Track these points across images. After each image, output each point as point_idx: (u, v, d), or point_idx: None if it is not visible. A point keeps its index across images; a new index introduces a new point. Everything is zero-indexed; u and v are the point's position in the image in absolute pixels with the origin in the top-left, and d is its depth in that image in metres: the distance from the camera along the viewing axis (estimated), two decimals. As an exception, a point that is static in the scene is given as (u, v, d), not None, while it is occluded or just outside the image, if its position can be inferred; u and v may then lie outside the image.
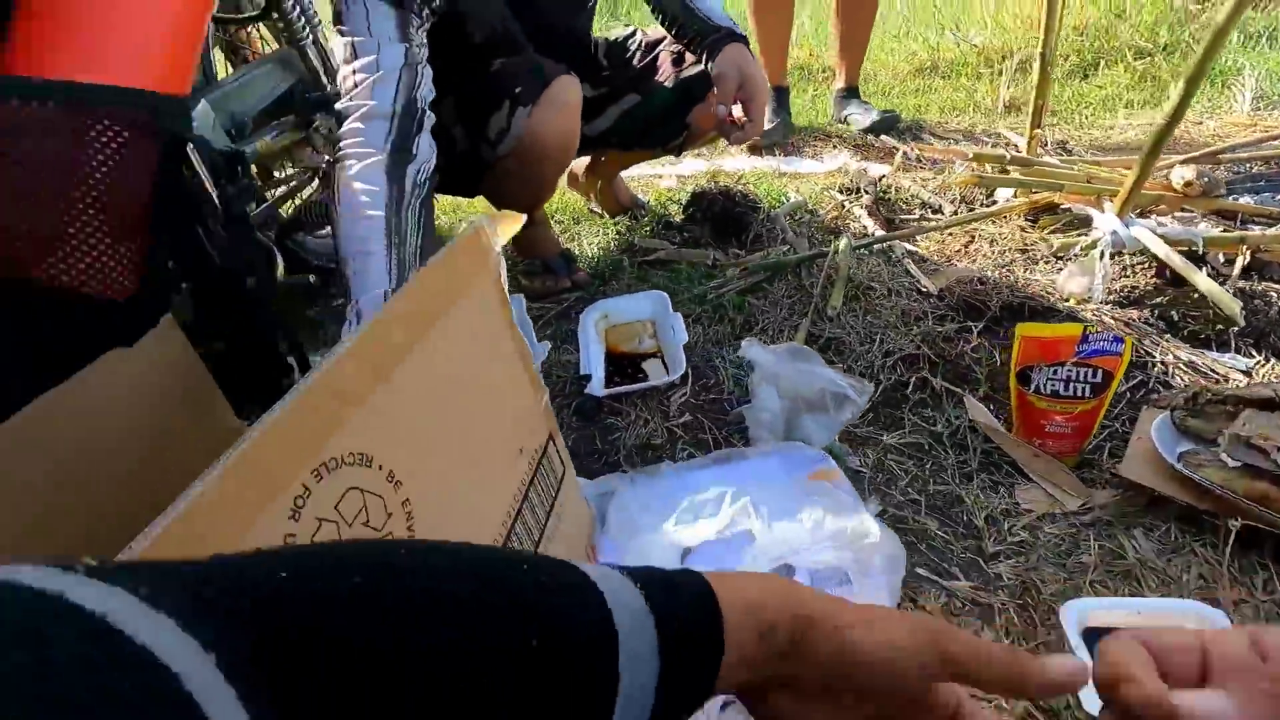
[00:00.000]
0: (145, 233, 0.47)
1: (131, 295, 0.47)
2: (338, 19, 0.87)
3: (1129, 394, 0.93)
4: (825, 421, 0.86)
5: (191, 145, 0.47)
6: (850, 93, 2.13)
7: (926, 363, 0.99)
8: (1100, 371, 0.81)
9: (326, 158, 1.26)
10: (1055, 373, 0.82)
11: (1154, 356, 0.96)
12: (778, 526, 0.67)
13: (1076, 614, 0.66)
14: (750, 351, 0.86)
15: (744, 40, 1.11)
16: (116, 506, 0.65)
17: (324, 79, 1.47)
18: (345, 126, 0.85)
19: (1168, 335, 0.99)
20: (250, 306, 0.74)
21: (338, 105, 0.88)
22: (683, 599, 0.31)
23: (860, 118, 2.04)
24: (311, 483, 0.38)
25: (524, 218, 0.68)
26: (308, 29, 1.38)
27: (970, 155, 1.21)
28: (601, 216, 1.64)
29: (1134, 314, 1.01)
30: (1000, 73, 2.31)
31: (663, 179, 1.88)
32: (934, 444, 0.90)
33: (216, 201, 0.64)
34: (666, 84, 1.25)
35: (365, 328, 0.44)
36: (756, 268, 1.17)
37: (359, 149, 0.83)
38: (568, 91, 1.04)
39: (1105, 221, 1.01)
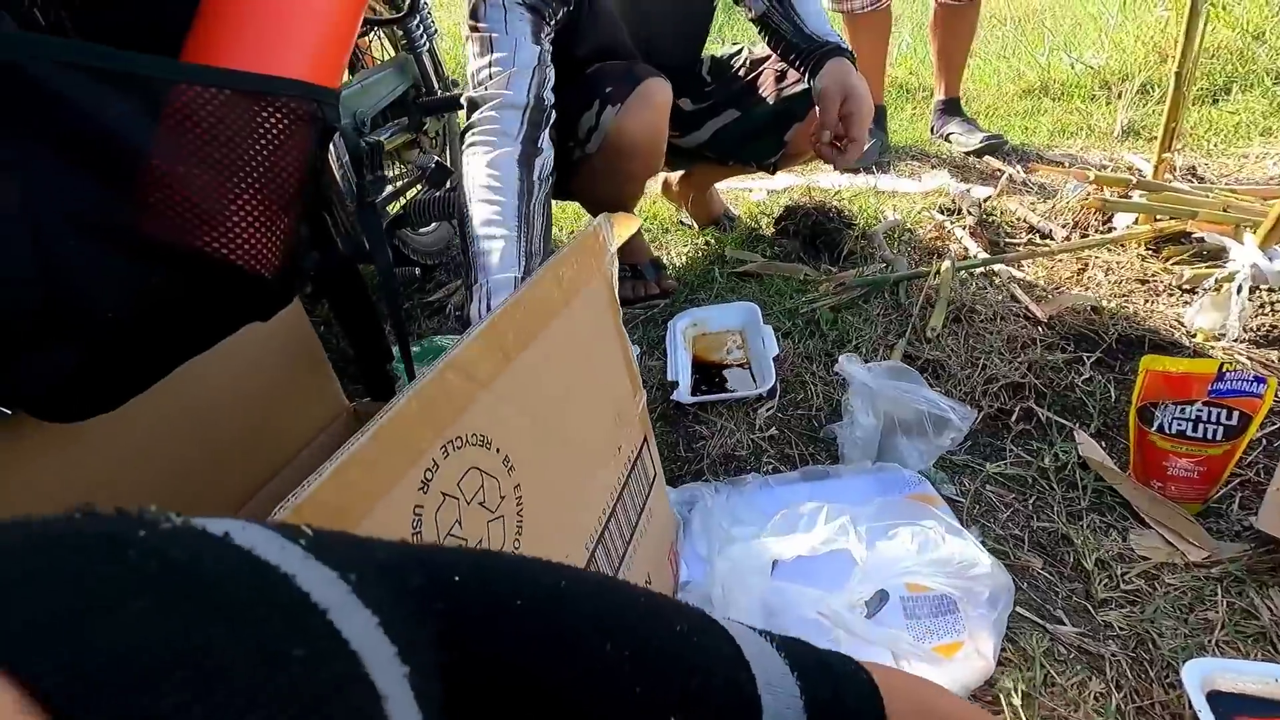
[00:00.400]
0: (293, 215, 0.50)
1: (276, 273, 0.50)
2: (474, 15, 0.91)
3: (1265, 440, 0.85)
4: (922, 445, 0.83)
5: (338, 135, 0.50)
6: (951, 107, 2.04)
7: (1033, 392, 0.94)
8: (1236, 413, 0.74)
9: (435, 159, 1.32)
10: (1183, 411, 0.76)
11: (1295, 402, 0.88)
12: (878, 547, 0.64)
13: (1201, 675, 0.61)
14: (847, 367, 0.84)
15: (849, 55, 1.09)
16: (237, 473, 0.69)
17: (435, 85, 1.54)
18: (479, 114, 0.88)
19: (1313, 380, 0.90)
20: (363, 293, 0.78)
21: (469, 94, 0.90)
22: (845, 694, 0.29)
23: (963, 137, 1.95)
24: (440, 457, 0.39)
25: (639, 221, 0.69)
26: (425, 38, 1.45)
27: (1091, 176, 1.15)
28: (690, 227, 1.64)
29: (1273, 355, 0.93)
30: (1120, 95, 2.18)
31: (753, 192, 1.87)
32: (1038, 478, 0.85)
33: (346, 187, 0.67)
34: (768, 101, 1.25)
35: (495, 313, 0.45)
36: (854, 283, 1.14)
37: (492, 136, 0.86)
38: (657, 92, 1.05)
39: (1245, 253, 0.94)
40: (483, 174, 0.84)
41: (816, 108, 1.07)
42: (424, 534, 0.39)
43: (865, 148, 1.08)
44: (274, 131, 0.47)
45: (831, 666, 0.30)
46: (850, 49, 1.10)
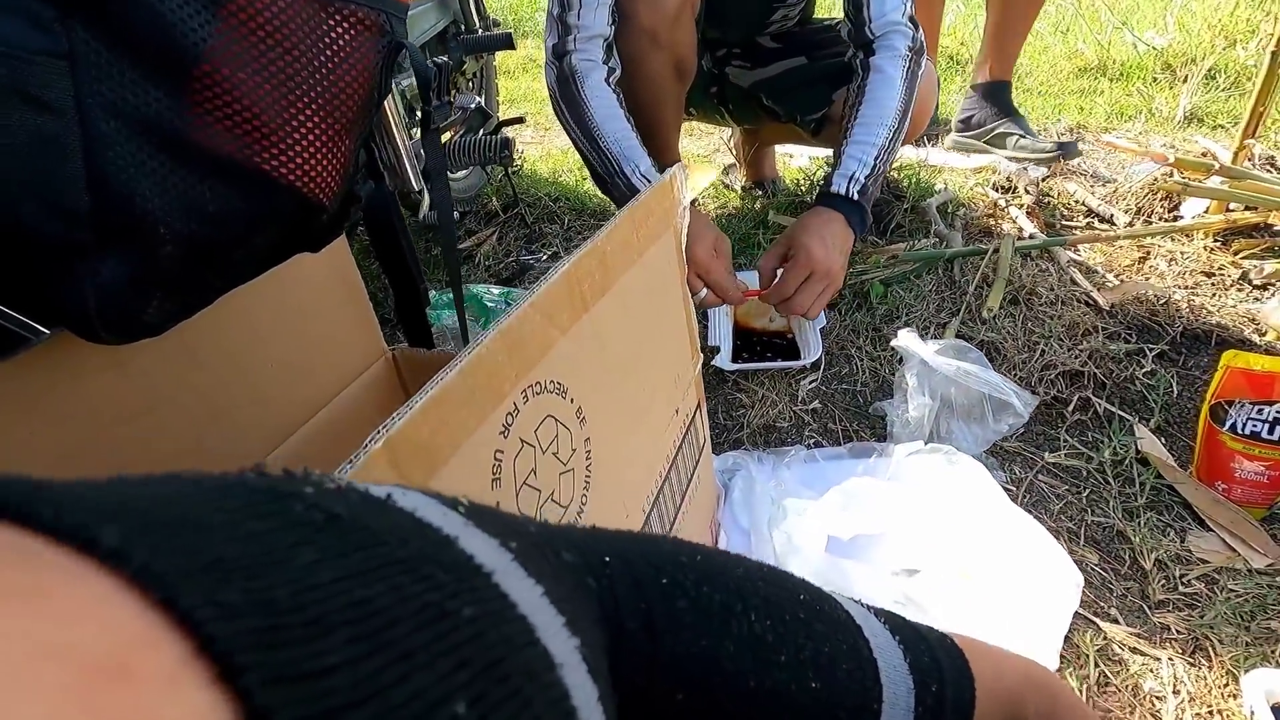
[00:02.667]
0: (353, 138, 0.46)
1: (334, 200, 0.46)
2: None
3: (1336, 448, 0.81)
4: (978, 430, 0.79)
5: (406, 53, 0.46)
6: (998, 93, 1.63)
7: (1091, 381, 0.90)
8: (1319, 418, 0.71)
9: (476, 99, 1.27)
10: (1260, 412, 0.73)
11: (1370, 410, 0.84)
12: (939, 532, 0.62)
13: (1265, 687, 0.58)
14: (906, 343, 0.80)
15: (857, 210, 0.95)
16: (275, 406, 0.67)
17: (475, 23, 1.48)
18: (577, 41, 0.96)
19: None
20: (403, 229, 0.74)
21: (569, 18, 0.97)
22: (939, 658, 0.29)
23: (1026, 141, 1.54)
24: (520, 402, 0.37)
25: (716, 170, 0.65)
26: (468, -30, 1.38)
27: (1171, 158, 1.08)
28: (730, 189, 1.59)
29: (1350, 359, 0.88)
30: (1185, 79, 2.08)
31: (794, 158, 1.81)
32: (1094, 471, 0.82)
33: (395, 121, 0.63)
34: (832, 58, 1.19)
35: (574, 258, 0.42)
36: (907, 257, 1.09)
37: (590, 62, 0.96)
38: None
39: (1331, 250, 0.88)
40: (598, 96, 0.96)
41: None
42: (502, 481, 0.36)
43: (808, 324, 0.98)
44: (340, 42, 0.43)
45: (923, 633, 0.31)
46: (869, 197, 0.96)
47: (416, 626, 0.12)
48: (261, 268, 0.49)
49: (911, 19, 0.99)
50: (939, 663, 0.29)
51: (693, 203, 1.28)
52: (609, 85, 0.99)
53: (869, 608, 0.30)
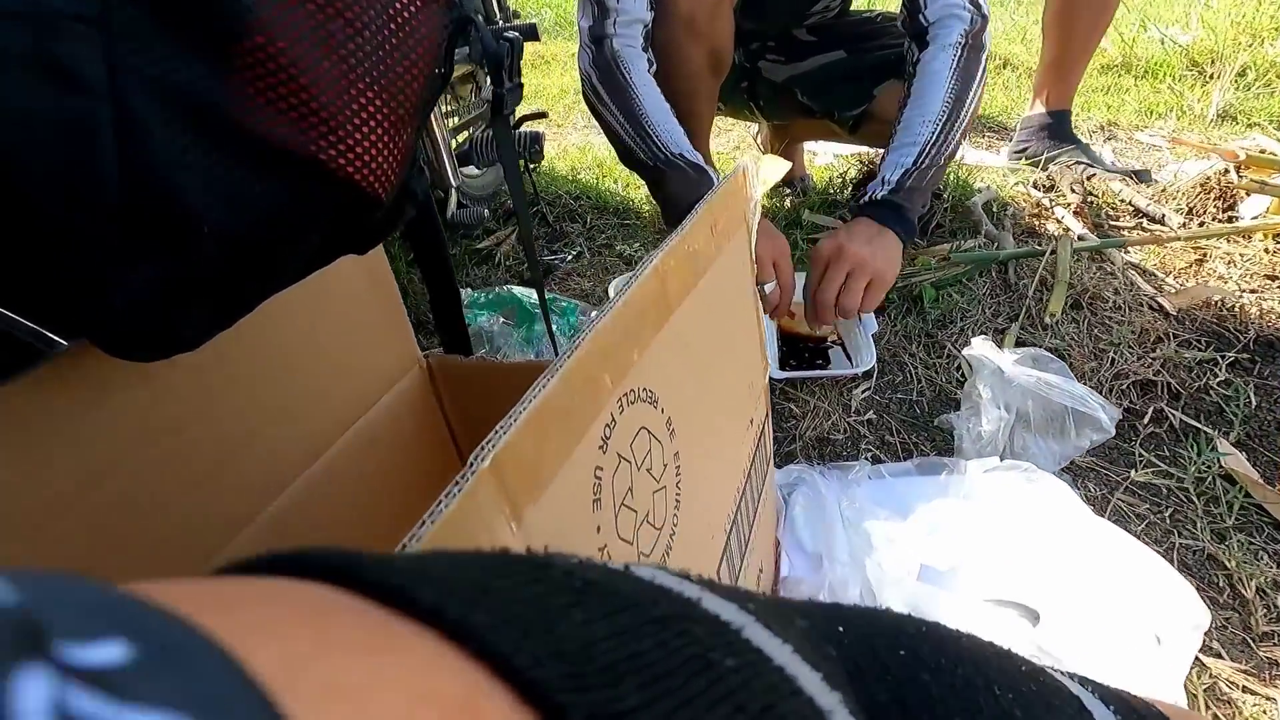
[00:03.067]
0: (414, 125, 0.41)
1: (390, 194, 0.41)
2: None
3: None
4: (1057, 445, 0.74)
5: (475, 29, 0.41)
6: (1059, 123, 1.48)
7: (1165, 392, 0.85)
8: None
9: (495, 88, 1.21)
10: (1366, 428, 0.67)
11: None
12: (1032, 558, 0.56)
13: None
14: (981, 351, 0.75)
15: (888, 208, 0.89)
16: (309, 422, 0.62)
17: (496, 13, 1.42)
18: (615, 26, 0.92)
19: None
20: (440, 230, 0.69)
21: (607, 1, 0.93)
22: None
23: (1094, 169, 1.36)
24: (617, 412, 0.32)
25: (788, 165, 0.60)
26: (491, -44, 1.33)
27: (1241, 156, 1.03)
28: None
29: None
30: (1213, 76, 2.04)
31: (818, 156, 1.76)
32: (1174, 489, 0.77)
33: (435, 112, 0.57)
34: (874, 51, 1.14)
35: (657, 256, 0.37)
36: (959, 258, 1.04)
37: (631, 49, 0.93)
38: None
39: None
40: (642, 87, 0.93)
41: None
42: (602, 502, 0.31)
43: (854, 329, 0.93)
44: (406, 13, 0.37)
45: (1129, 702, 0.28)
46: (907, 194, 0.90)
47: (689, 676, 0.13)
48: (306, 271, 0.43)
49: (973, 1, 0.93)
50: None
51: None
52: (651, 77, 0.94)
53: (1079, 679, 0.27)
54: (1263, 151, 1.21)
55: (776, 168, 0.62)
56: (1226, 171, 1.14)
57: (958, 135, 0.93)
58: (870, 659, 0.20)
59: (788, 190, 1.52)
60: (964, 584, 0.60)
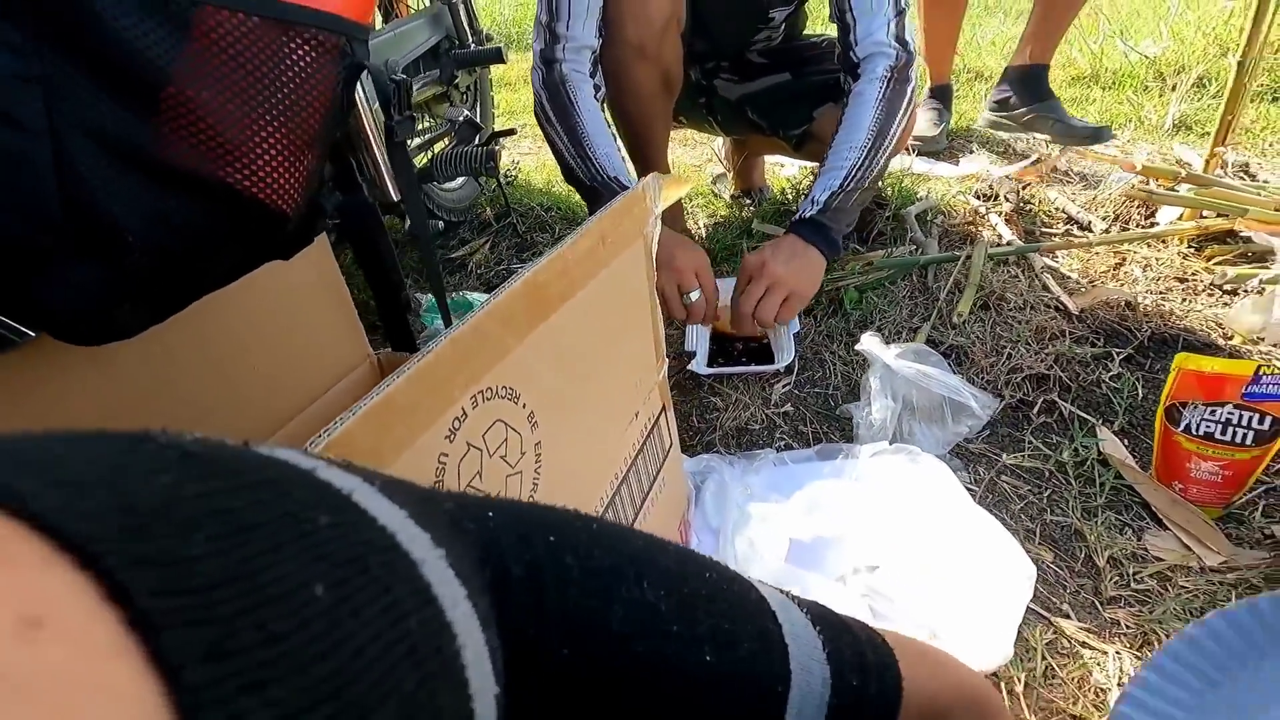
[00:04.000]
0: (316, 152, 0.50)
1: (297, 211, 0.49)
2: None
3: (1296, 449, 0.83)
4: (939, 431, 0.81)
5: (367, 73, 0.49)
6: (1037, 77, 1.64)
7: (1057, 385, 0.92)
8: (1269, 419, 0.72)
9: (465, 113, 1.31)
10: (1212, 413, 0.74)
11: (1331, 413, 0.85)
12: (899, 534, 0.64)
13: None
14: (869, 346, 0.82)
15: (815, 227, 0.97)
16: (258, 407, 0.70)
17: (469, 38, 1.52)
18: (562, 52, 0.99)
19: (1352, 391, 0.87)
20: (383, 238, 0.77)
21: (547, 21, 1.00)
22: (864, 650, 0.29)
23: (1060, 125, 1.59)
24: (469, 407, 0.39)
25: (689, 184, 0.68)
26: (460, -14, 1.43)
27: (1139, 166, 1.10)
28: (719, 197, 1.62)
29: (1312, 363, 0.90)
30: (1174, 87, 2.10)
31: (784, 167, 1.84)
32: (1055, 472, 0.84)
33: (372, 135, 0.66)
34: (814, 76, 1.23)
35: (538, 265, 0.45)
36: (882, 264, 1.12)
37: (577, 74, 1.00)
38: None
39: (1292, 255, 0.90)
40: (588, 108, 1.00)
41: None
42: (444, 483, 0.38)
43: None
44: (301, 63, 0.46)
45: (850, 627, 0.31)
46: (833, 215, 0.99)
47: (277, 529, 0.13)
48: (233, 275, 0.52)
49: (899, 39, 1.01)
50: (863, 657, 0.29)
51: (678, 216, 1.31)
52: (597, 101, 1.02)
53: (794, 598, 0.31)
54: (1179, 162, 1.27)
55: (678, 187, 0.69)
56: (1146, 182, 1.21)
57: (882, 161, 1.01)
58: (512, 538, 0.23)
59: (746, 200, 1.60)
60: (833, 553, 0.68)
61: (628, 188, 0.99)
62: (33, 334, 0.47)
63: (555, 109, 1.02)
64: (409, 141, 1.21)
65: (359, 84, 0.53)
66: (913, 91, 1.02)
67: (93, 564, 0.11)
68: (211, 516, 0.13)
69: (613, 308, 0.57)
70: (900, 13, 1.00)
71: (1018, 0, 3.57)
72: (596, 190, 1.01)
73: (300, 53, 0.45)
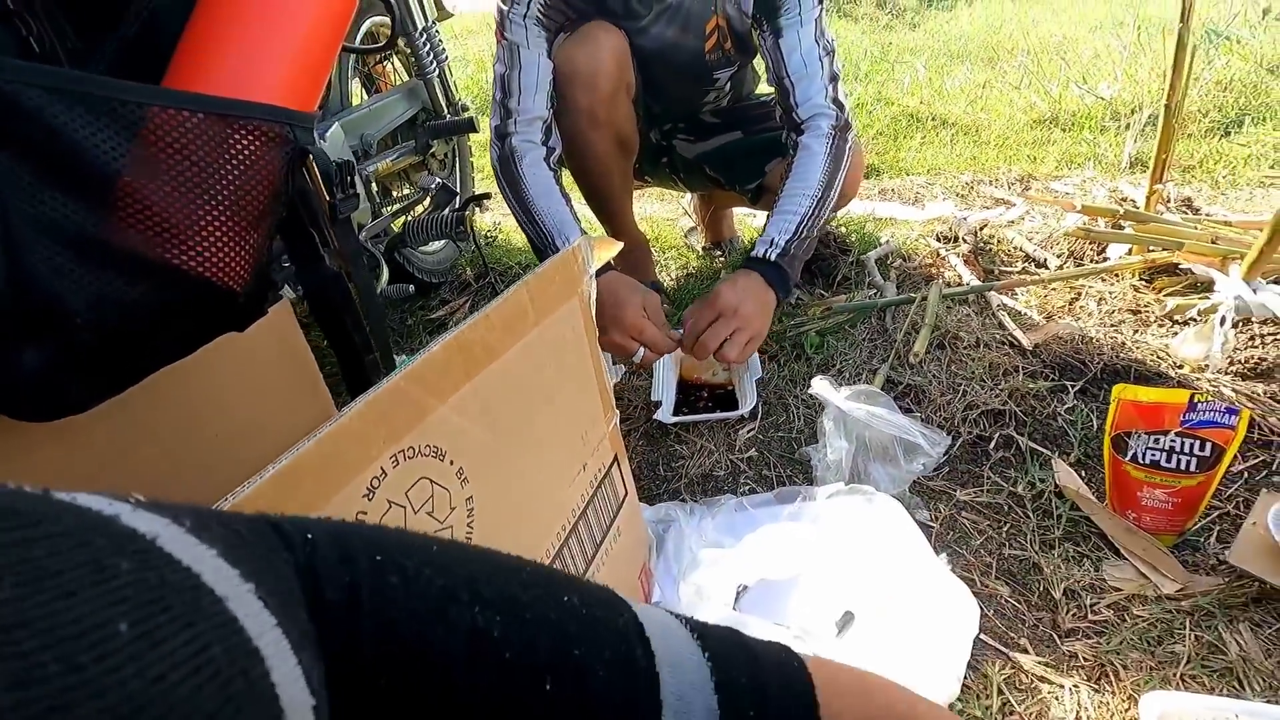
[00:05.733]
0: (262, 231, 0.53)
1: (246, 286, 0.52)
2: (501, 27, 1.08)
3: (1247, 474, 0.84)
4: (894, 470, 0.83)
5: (311, 155, 0.53)
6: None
7: (1013, 420, 0.94)
8: (1210, 445, 0.74)
9: (438, 180, 1.36)
10: (1156, 441, 0.76)
11: (1280, 436, 0.87)
12: (842, 572, 0.65)
13: (1160, 708, 0.60)
14: (820, 389, 0.85)
15: (777, 271, 1.01)
16: (220, 473, 0.72)
17: (445, 109, 1.59)
18: (514, 125, 1.07)
19: (1298, 414, 0.89)
20: (348, 305, 0.80)
21: (500, 98, 1.08)
22: (767, 680, 0.28)
23: None
24: (390, 466, 0.41)
25: (619, 245, 0.73)
26: (435, 64, 1.50)
27: (1078, 206, 1.15)
28: (692, 249, 1.67)
29: (1259, 388, 0.92)
30: (1128, 126, 2.18)
31: (755, 217, 1.89)
32: (1014, 506, 0.85)
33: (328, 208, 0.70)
34: (763, 132, 1.29)
35: (461, 327, 0.47)
36: (840, 309, 1.15)
37: (528, 144, 1.07)
38: (600, 29, 1.10)
39: (1228, 285, 0.93)
40: (535, 173, 1.07)
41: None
42: None
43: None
44: (245, 152, 0.49)
45: (758, 655, 0.29)
46: (789, 260, 1.02)
47: (77, 575, 0.14)
48: (187, 348, 0.55)
49: (835, 101, 1.08)
50: (764, 687, 0.27)
51: (637, 267, 1.35)
52: (548, 164, 1.08)
53: (694, 625, 0.29)
54: (1122, 200, 1.32)
55: (609, 248, 0.73)
56: (1095, 220, 1.26)
57: (828, 210, 1.07)
58: (332, 560, 0.22)
59: (717, 251, 1.64)
60: (787, 596, 0.68)
61: (564, 244, 1.05)
62: (-8, 412, 0.50)
63: (507, 180, 1.09)
64: (382, 211, 1.26)
65: (306, 164, 0.56)
66: (851, 149, 1.08)
67: None
68: (15, 566, 0.14)
69: (547, 365, 0.60)
70: (834, 78, 1.06)
71: (983, 47, 3.73)
72: (542, 251, 1.07)
73: (245, 143, 0.49)
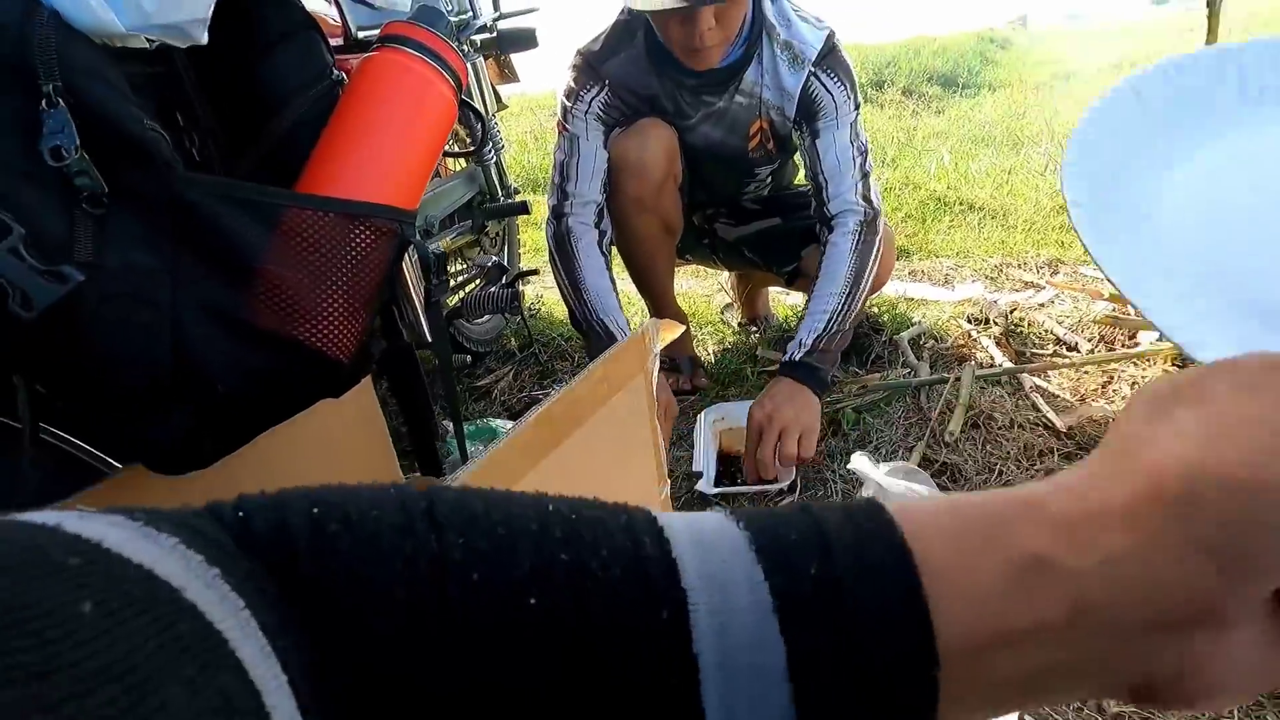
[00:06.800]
0: (370, 311, 0.60)
1: (349, 359, 0.59)
2: (564, 117, 1.20)
3: None
4: (934, 546, 0.85)
5: (413, 247, 0.61)
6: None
7: (1050, 501, 0.96)
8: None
9: (493, 258, 1.46)
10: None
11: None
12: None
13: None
14: (860, 465, 0.88)
15: (805, 369, 1.08)
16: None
17: (499, 192, 1.71)
18: (571, 207, 1.19)
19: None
20: (417, 374, 0.87)
21: (560, 182, 1.19)
22: (828, 523, 0.20)
23: None
24: None
25: (683, 328, 0.80)
26: (493, 153, 1.64)
27: (1106, 294, 1.19)
28: (728, 325, 1.74)
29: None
30: (1153, 214, 2.23)
31: (789, 295, 1.97)
32: (1054, 587, 0.86)
33: (413, 289, 0.78)
34: (801, 219, 1.38)
35: (551, 400, 0.53)
36: (876, 386, 1.19)
37: (583, 225, 1.18)
38: (653, 125, 1.21)
39: (1259, 374, 0.96)
40: (585, 256, 1.17)
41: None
42: None
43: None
44: (363, 245, 0.57)
45: (817, 514, 0.21)
46: (819, 356, 1.08)
47: (32, 572, 0.14)
48: (292, 411, 0.61)
49: (865, 197, 1.17)
50: (825, 535, 0.20)
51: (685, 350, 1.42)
52: (599, 247, 1.17)
53: (733, 512, 0.22)
54: (1151, 287, 1.36)
55: (673, 331, 0.80)
56: (1124, 307, 1.30)
57: (859, 303, 1.14)
58: (269, 522, 0.20)
59: (752, 328, 1.71)
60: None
61: (614, 329, 1.12)
62: (121, 467, 0.57)
63: (561, 257, 1.19)
64: (446, 288, 1.35)
65: (406, 253, 0.64)
66: (880, 239, 1.16)
67: None
68: None
69: (616, 435, 0.65)
70: (865, 175, 1.15)
71: (1009, 133, 3.87)
72: (585, 332, 1.17)
73: (363, 238, 0.57)
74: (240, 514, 0.20)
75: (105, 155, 0.46)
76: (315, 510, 0.20)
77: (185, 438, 0.50)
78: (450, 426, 1.24)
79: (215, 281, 0.51)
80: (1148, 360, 1.25)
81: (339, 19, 1.19)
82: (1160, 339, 1.24)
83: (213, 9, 0.51)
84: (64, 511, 0.17)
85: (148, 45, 0.51)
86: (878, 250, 1.14)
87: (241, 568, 0.18)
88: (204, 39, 0.52)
